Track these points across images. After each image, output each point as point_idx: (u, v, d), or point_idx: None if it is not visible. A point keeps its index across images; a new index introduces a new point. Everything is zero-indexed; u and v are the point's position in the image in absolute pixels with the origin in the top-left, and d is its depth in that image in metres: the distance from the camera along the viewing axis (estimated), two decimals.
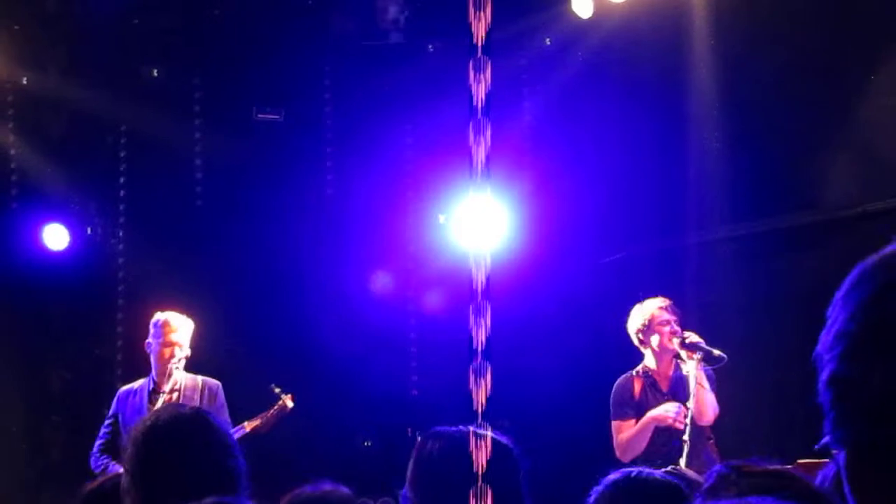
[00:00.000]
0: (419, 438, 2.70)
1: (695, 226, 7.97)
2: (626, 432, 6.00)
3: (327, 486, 3.00)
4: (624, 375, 6.14)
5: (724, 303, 7.24)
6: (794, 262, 7.42)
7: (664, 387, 6.04)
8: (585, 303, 8.40)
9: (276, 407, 6.64)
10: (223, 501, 2.05)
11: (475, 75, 1.85)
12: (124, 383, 8.32)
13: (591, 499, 2.71)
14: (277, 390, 6.68)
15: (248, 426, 6.50)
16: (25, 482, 8.42)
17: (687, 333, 5.83)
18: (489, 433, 2.57)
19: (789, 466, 2.64)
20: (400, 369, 8.93)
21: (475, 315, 1.83)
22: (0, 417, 8.37)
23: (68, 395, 8.79)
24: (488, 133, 1.89)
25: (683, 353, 5.84)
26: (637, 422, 5.97)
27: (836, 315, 1.18)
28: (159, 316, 6.49)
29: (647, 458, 6.02)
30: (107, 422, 6.57)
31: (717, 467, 2.46)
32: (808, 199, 7.47)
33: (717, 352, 5.76)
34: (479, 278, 1.85)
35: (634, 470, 2.31)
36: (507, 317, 7.53)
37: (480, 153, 1.85)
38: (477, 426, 1.81)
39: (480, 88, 1.88)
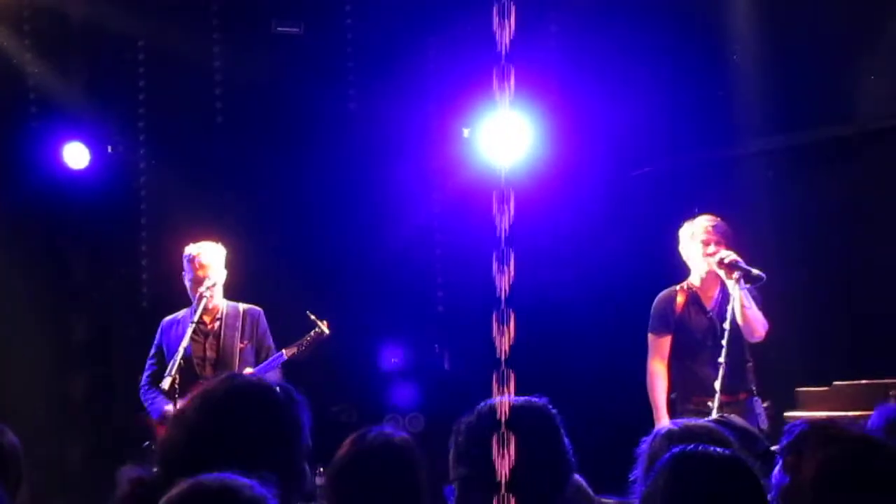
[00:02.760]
0: (456, 425, 2.65)
1: (726, 139, 7.83)
2: (653, 378, 6.02)
3: (389, 430, 3.00)
4: (668, 289, 6.14)
5: (756, 217, 7.13)
6: (828, 174, 7.31)
7: (708, 304, 6.02)
8: (612, 216, 8.32)
9: (312, 333, 6.61)
10: (224, 479, 1.99)
11: None
12: (150, 303, 8.38)
13: (643, 457, 2.67)
14: (313, 317, 6.63)
15: (286, 353, 6.48)
16: (53, 407, 8.49)
17: (725, 253, 5.75)
18: (523, 400, 2.55)
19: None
20: (425, 285, 8.91)
21: (499, 230, 1.76)
22: (25, 338, 8.40)
23: (93, 315, 8.81)
24: (513, 47, 1.79)
25: (722, 273, 5.78)
26: (672, 338, 6.01)
27: None
28: (190, 250, 6.47)
29: (684, 383, 5.96)
30: (152, 352, 6.60)
31: (799, 425, 2.42)
32: (843, 111, 7.31)
33: (755, 271, 5.70)
34: (504, 193, 1.78)
35: (691, 446, 2.24)
36: (531, 231, 7.48)
37: (505, 67, 1.75)
38: (500, 365, 1.73)
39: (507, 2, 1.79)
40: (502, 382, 1.71)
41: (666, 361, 6.05)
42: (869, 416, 5.16)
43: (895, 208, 6.94)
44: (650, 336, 6.13)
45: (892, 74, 6.98)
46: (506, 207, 1.75)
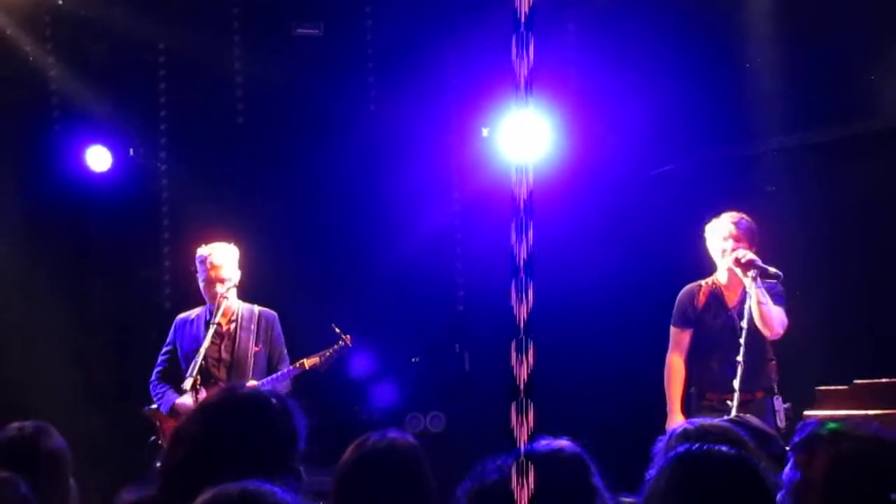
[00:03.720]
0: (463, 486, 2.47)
1: (745, 137, 7.81)
2: (669, 370, 6.09)
3: (393, 434, 2.99)
4: (693, 283, 6.18)
5: (775, 215, 7.10)
6: (848, 172, 7.27)
7: (730, 302, 6.04)
8: (631, 216, 8.31)
9: (336, 346, 6.57)
10: (246, 488, 2.00)
11: None
12: (172, 304, 8.41)
13: (658, 457, 2.65)
14: (338, 330, 6.60)
15: (307, 363, 6.46)
16: (74, 406, 8.53)
17: (742, 252, 5.76)
18: (548, 448, 2.39)
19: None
20: (445, 284, 8.92)
21: (518, 230, 1.76)
22: (47, 341, 8.46)
23: (115, 317, 8.86)
24: (532, 46, 1.80)
25: (739, 271, 5.80)
26: (693, 333, 6.06)
27: None
28: (201, 251, 6.49)
29: (700, 378, 6.00)
30: (165, 349, 6.63)
31: (812, 424, 2.40)
32: (862, 108, 7.28)
33: (772, 269, 5.72)
34: (523, 193, 1.78)
35: (696, 445, 2.20)
36: (551, 231, 7.47)
37: (524, 67, 1.76)
38: (518, 340, 1.71)
39: (525, 1, 1.79)
40: (521, 412, 1.69)
41: (684, 355, 6.11)
42: (889, 414, 5.16)
43: None
44: (671, 329, 6.20)
45: None
46: (524, 237, 1.74)
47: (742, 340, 5.51)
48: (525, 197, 1.81)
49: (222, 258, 6.43)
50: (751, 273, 5.69)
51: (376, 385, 8.66)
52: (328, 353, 6.53)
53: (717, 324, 6.04)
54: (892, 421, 4.43)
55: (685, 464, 2.13)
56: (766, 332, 5.77)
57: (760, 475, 2.18)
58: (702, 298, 6.09)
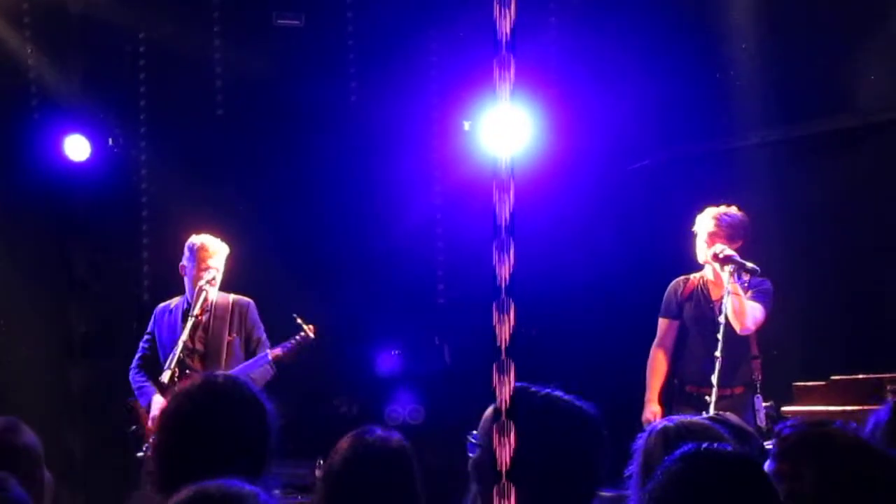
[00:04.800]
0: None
1: (725, 132, 7.83)
2: (652, 364, 6.17)
3: (385, 433, 3.01)
4: (682, 276, 6.25)
5: (755, 210, 7.13)
6: (827, 167, 7.30)
7: (714, 296, 6.05)
8: (612, 210, 8.32)
9: (298, 337, 6.40)
10: (227, 485, 1.99)
11: None
12: (151, 296, 8.38)
13: (638, 453, 2.65)
14: (300, 321, 6.44)
15: (270, 354, 6.35)
16: (51, 398, 8.49)
17: (720, 246, 5.79)
18: (569, 399, 2.48)
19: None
20: (426, 278, 8.91)
21: (499, 218, 1.76)
22: (25, 331, 8.41)
23: (94, 308, 8.81)
24: (513, 40, 1.80)
25: (717, 266, 5.85)
26: (678, 326, 6.14)
27: None
28: (195, 240, 6.47)
29: (682, 370, 6.04)
30: (145, 337, 6.64)
31: (789, 428, 2.38)
32: (843, 102, 7.31)
33: (749, 264, 5.78)
34: (504, 186, 1.78)
35: (696, 446, 2.15)
36: (532, 225, 7.48)
37: (505, 61, 1.76)
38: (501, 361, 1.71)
39: None
40: (503, 372, 1.70)
41: (667, 346, 6.18)
42: (865, 410, 5.18)
43: (895, 202, 6.93)
44: (659, 320, 6.27)
45: (892, 65, 6.97)
46: (506, 196, 1.75)
47: (720, 335, 5.54)
48: (506, 191, 1.80)
49: (215, 247, 6.42)
50: (728, 268, 5.73)
51: (357, 377, 8.66)
52: (290, 345, 6.37)
53: (699, 317, 6.08)
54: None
55: (693, 466, 2.06)
56: (736, 326, 5.79)
57: (768, 477, 2.15)
58: (686, 288, 6.15)
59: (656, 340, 6.23)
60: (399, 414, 8.56)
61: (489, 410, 2.42)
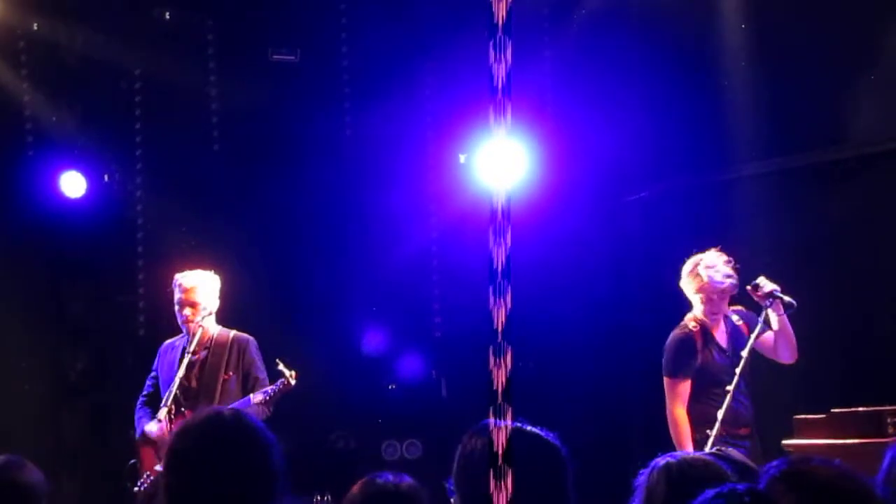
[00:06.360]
0: (465, 436, 2.58)
1: (720, 163, 7.85)
2: (681, 425, 5.77)
3: (390, 477, 2.95)
4: (680, 330, 5.91)
5: (750, 241, 7.13)
6: (822, 199, 7.30)
7: (722, 341, 5.90)
8: (608, 243, 8.32)
9: (279, 384, 6.21)
10: None
11: (496, 9, 1.75)
12: (147, 331, 8.36)
13: (640, 489, 2.64)
14: (281, 366, 6.26)
15: (252, 399, 6.19)
16: (48, 431, 8.45)
17: (763, 280, 5.68)
18: (535, 430, 2.51)
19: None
20: (423, 311, 8.89)
21: (495, 268, 1.75)
22: (20, 367, 8.38)
23: (90, 343, 8.78)
24: (509, 71, 1.79)
25: (758, 300, 5.71)
26: (692, 384, 5.81)
27: None
28: (176, 277, 6.45)
29: (708, 419, 5.72)
30: (151, 374, 6.61)
31: (774, 467, 2.35)
32: (837, 135, 7.33)
33: (787, 298, 5.64)
34: (500, 219, 1.77)
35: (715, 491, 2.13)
36: (528, 257, 7.47)
37: (501, 92, 1.76)
38: (498, 402, 1.70)
39: (501, 24, 1.78)
40: (499, 415, 1.69)
41: (686, 405, 5.83)
42: (866, 443, 5.14)
43: (890, 233, 6.93)
44: (668, 380, 5.87)
45: (886, 98, 6.99)
46: (502, 241, 1.74)
47: (738, 370, 5.52)
48: (502, 224, 1.80)
49: (193, 282, 6.37)
50: (767, 302, 5.63)
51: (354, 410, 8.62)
52: (270, 392, 6.19)
53: (720, 368, 5.83)
54: (870, 450, 4.39)
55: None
56: (788, 357, 5.79)
57: None
58: (699, 345, 5.86)
59: (674, 401, 5.81)
60: (396, 448, 8.51)
61: (457, 453, 2.48)
